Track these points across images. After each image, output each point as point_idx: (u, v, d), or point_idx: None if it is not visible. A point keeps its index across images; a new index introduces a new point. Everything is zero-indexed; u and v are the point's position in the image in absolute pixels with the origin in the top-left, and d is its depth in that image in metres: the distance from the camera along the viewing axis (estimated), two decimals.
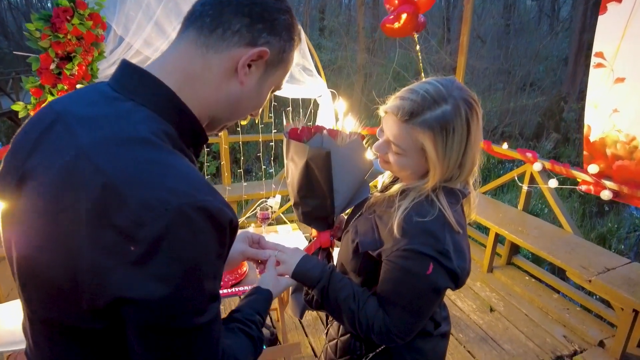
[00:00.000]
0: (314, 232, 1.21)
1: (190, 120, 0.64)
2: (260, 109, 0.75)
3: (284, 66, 0.71)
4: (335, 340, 1.12)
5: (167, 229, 0.49)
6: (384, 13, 4.16)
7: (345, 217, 1.25)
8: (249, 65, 0.65)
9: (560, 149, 11.87)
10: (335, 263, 1.15)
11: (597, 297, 3.03)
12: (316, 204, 1.12)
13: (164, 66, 0.63)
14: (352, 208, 1.16)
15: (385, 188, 1.06)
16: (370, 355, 1.02)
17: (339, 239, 1.23)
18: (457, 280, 0.87)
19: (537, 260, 3.99)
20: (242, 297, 0.89)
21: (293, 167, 1.13)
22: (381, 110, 0.92)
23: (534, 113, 14.37)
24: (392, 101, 0.89)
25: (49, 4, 26.23)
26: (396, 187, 0.96)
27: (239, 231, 1.05)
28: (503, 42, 16.75)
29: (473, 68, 14.45)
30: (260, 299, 0.86)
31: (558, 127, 13.11)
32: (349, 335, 1.07)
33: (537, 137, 13.67)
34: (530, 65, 15.35)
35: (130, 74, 0.62)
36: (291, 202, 1.21)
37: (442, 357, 1.08)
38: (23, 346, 1.75)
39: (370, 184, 1.16)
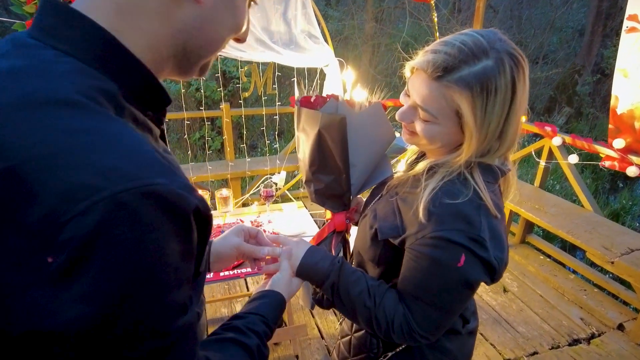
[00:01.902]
0: (329, 214, 1.08)
1: (139, 70, 0.47)
2: (245, 28, 0.56)
3: None
4: (349, 336, 1.00)
5: (98, 228, 0.35)
6: None
7: (364, 200, 1.12)
8: None
9: (573, 124, 11.57)
10: (351, 250, 1.03)
11: (612, 276, 2.91)
12: (330, 180, 0.98)
13: (89, 2, 0.46)
14: (371, 189, 1.02)
15: (410, 167, 0.92)
16: (389, 354, 0.91)
17: (356, 224, 1.09)
18: (494, 273, 0.74)
19: (548, 237, 3.85)
20: (249, 299, 0.77)
21: (304, 139, 0.98)
22: (407, 69, 0.77)
23: (546, 86, 13.98)
24: (421, 56, 0.73)
25: None
26: (422, 165, 0.81)
27: (236, 225, 0.93)
28: (516, 12, 16.14)
29: None
30: (269, 303, 0.74)
31: (571, 101, 12.74)
32: (364, 331, 0.95)
33: (549, 112, 13.32)
34: (544, 37, 14.81)
35: (51, 13, 0.45)
36: (303, 179, 1.07)
37: (470, 357, 0.97)
38: None
39: (391, 163, 1.01)
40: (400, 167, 1.00)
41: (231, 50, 2.69)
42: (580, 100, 12.70)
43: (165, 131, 0.58)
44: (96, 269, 0.35)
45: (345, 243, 1.11)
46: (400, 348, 0.90)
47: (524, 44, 15.11)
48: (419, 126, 0.77)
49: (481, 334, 2.35)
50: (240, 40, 0.58)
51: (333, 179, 0.98)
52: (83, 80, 0.42)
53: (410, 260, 0.78)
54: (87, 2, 0.46)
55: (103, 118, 0.41)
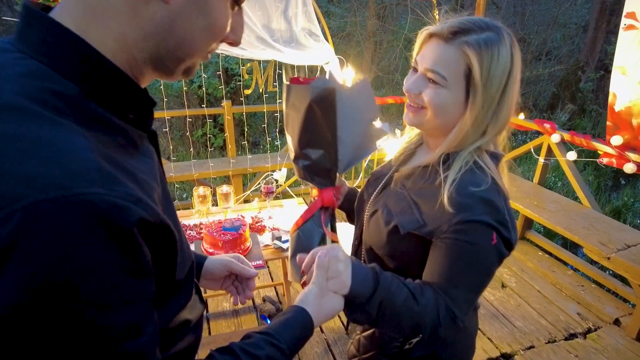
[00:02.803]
0: (315, 192, 1.10)
1: (108, 72, 0.46)
2: (230, 30, 0.54)
3: None
4: (372, 330, 0.99)
5: (14, 237, 0.33)
6: None
7: (349, 186, 1.16)
8: None
9: (576, 121, 11.52)
10: (353, 240, 1.05)
11: (612, 272, 2.93)
12: (319, 155, 1.00)
13: (62, 5, 0.45)
14: (368, 182, 1.04)
15: (404, 161, 0.96)
16: (414, 341, 0.92)
17: (341, 208, 1.15)
18: (511, 250, 0.81)
19: (549, 234, 3.87)
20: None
21: (294, 115, 1.00)
22: (419, 39, 0.83)
23: (550, 83, 13.92)
24: (434, 26, 0.81)
25: None
26: (432, 156, 0.85)
27: (230, 254, 0.90)
28: (519, 8, 16.06)
29: None
30: (286, 321, 0.65)
31: (574, 98, 12.69)
32: None
33: (552, 108, 13.27)
34: (547, 33, 14.74)
35: (22, 18, 0.45)
36: (291, 156, 1.10)
37: (477, 330, 1.04)
38: None
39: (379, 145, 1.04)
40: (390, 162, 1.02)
41: (232, 48, 2.72)
42: (584, 96, 12.64)
43: (164, 132, 0.59)
44: (10, 279, 0.34)
45: (333, 218, 1.13)
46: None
47: (527, 40, 15.04)
48: (427, 95, 0.81)
49: (479, 329, 2.38)
50: (233, 43, 0.57)
51: (321, 154, 0.99)
52: (34, 83, 0.41)
53: (445, 249, 0.79)
54: (60, 6, 0.46)
55: (41, 123, 0.39)
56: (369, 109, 0.98)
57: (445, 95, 0.79)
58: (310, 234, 1.04)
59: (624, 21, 2.35)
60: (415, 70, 0.84)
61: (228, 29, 0.54)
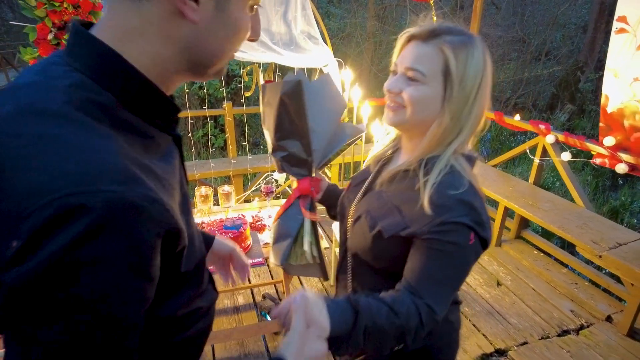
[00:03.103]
0: (295, 184, 1.18)
1: (141, 85, 0.53)
2: (250, 32, 0.61)
3: None
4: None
5: (50, 225, 0.40)
6: None
7: (330, 182, 1.22)
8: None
9: (575, 121, 11.56)
10: (340, 246, 1.07)
11: (607, 271, 2.98)
12: (295, 145, 1.09)
13: (101, 27, 0.53)
14: (348, 188, 1.08)
15: (382, 165, 1.00)
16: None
17: (321, 202, 1.21)
18: (485, 248, 0.86)
19: (546, 234, 3.93)
20: None
21: (269, 111, 1.10)
22: (399, 42, 0.88)
23: (549, 83, 13.95)
24: (417, 29, 0.86)
25: None
26: (411, 161, 0.88)
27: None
28: (519, 9, 16.09)
29: (486, 36, 13.95)
30: None
31: (573, 98, 12.73)
32: None
33: (551, 109, 13.30)
34: (547, 33, 14.76)
35: (71, 36, 0.52)
36: (269, 150, 1.17)
37: (460, 323, 1.08)
38: None
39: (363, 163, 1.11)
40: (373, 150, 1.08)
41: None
42: (583, 97, 12.68)
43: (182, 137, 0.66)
44: (37, 257, 0.40)
45: (313, 206, 1.18)
46: None
47: (527, 40, 15.08)
48: (407, 93, 0.85)
49: (474, 325, 2.44)
50: (254, 40, 0.65)
51: (297, 145, 1.09)
52: (79, 93, 0.48)
53: (426, 249, 0.82)
54: (100, 26, 0.54)
55: (81, 128, 0.46)
56: (336, 101, 1.07)
57: (424, 90, 0.84)
58: (289, 221, 1.15)
59: (616, 25, 2.41)
60: (395, 73, 0.88)
61: (250, 31, 0.61)
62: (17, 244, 0.40)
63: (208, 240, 0.96)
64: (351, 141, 1.19)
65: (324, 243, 1.36)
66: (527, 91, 13.94)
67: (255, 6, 0.61)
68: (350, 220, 0.99)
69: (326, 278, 1.24)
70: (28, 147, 0.43)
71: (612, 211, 6.88)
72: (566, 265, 3.00)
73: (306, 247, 1.15)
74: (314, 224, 1.19)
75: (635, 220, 6.51)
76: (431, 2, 4.01)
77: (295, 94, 1.02)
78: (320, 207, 1.28)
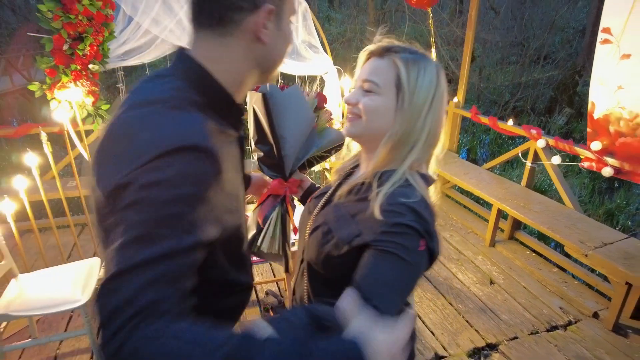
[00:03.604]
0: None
1: (222, 94, 0.73)
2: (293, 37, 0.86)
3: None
4: None
5: (170, 152, 0.58)
6: None
7: (310, 184, 1.35)
8: (264, 27, 0.71)
9: (573, 124, 11.65)
10: (298, 256, 1.05)
11: (598, 273, 3.10)
12: (267, 149, 1.24)
13: (195, 51, 0.73)
14: (310, 201, 1.10)
15: (348, 175, 1.04)
16: None
17: (301, 200, 1.34)
18: (432, 264, 0.86)
19: (540, 235, 4.04)
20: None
21: (248, 116, 1.27)
22: (360, 60, 0.95)
23: (547, 87, 14.05)
24: (374, 46, 0.93)
25: None
26: (367, 173, 0.91)
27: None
28: (517, 13, 16.23)
29: (485, 41, 14.10)
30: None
31: (572, 102, 12.83)
32: None
33: (550, 112, 13.41)
34: (545, 37, 14.89)
35: (176, 56, 0.75)
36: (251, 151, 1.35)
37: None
38: (47, 312, 1.90)
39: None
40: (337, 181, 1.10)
41: None
42: (581, 100, 12.78)
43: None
44: (164, 173, 0.58)
45: (286, 212, 1.31)
46: None
47: (525, 44, 15.22)
48: (362, 103, 0.89)
49: (467, 321, 2.56)
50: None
51: (268, 149, 1.24)
52: (180, 93, 0.68)
53: (375, 252, 0.81)
54: (194, 50, 0.72)
55: (181, 110, 0.66)
56: (306, 113, 1.22)
57: (378, 100, 0.88)
58: (263, 213, 1.32)
59: (601, 36, 2.54)
60: (355, 87, 0.95)
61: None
62: (141, 163, 0.58)
63: (248, 178, 1.28)
64: (334, 146, 1.32)
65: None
66: (526, 95, 14.05)
67: (292, 17, 0.79)
68: (307, 232, 0.99)
69: (286, 270, 1.39)
70: (149, 118, 0.63)
71: (607, 213, 6.99)
72: (557, 265, 3.12)
73: (272, 238, 1.31)
74: (283, 219, 1.33)
75: (630, 222, 6.62)
76: (428, 9, 4.15)
77: (262, 105, 1.16)
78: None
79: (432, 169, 0.96)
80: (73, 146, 2.83)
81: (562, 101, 13.17)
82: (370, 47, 0.93)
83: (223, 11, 0.69)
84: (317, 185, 1.35)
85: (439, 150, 0.94)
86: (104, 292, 0.55)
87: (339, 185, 1.01)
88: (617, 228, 6.40)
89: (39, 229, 2.60)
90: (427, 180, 0.91)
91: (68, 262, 2.33)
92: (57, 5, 2.40)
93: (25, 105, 13.96)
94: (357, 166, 1.03)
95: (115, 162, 0.61)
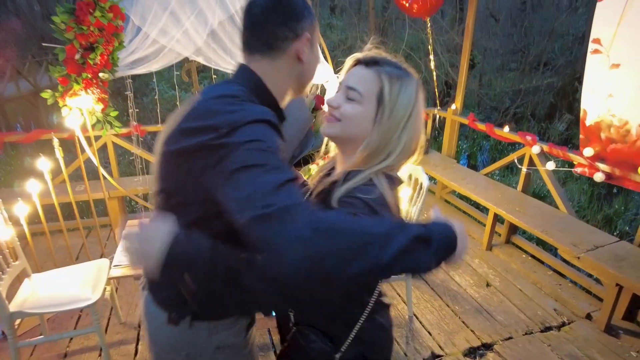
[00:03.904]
0: None
1: (271, 100, 0.93)
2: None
3: (317, 26, 0.98)
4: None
5: (247, 123, 0.78)
6: None
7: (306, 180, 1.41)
8: (304, 50, 0.93)
9: (573, 130, 11.73)
10: None
11: (593, 277, 3.17)
12: None
13: (252, 65, 0.94)
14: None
15: (326, 176, 1.07)
16: (343, 349, 1.02)
17: None
18: None
19: (541, 242, 4.10)
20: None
21: None
22: (348, 62, 1.01)
23: (547, 93, 14.16)
24: (363, 54, 0.99)
25: None
26: (339, 173, 0.97)
27: None
28: (517, 20, 16.38)
29: (484, 48, 14.22)
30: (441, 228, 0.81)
31: (571, 108, 12.92)
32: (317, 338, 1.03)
33: (550, 118, 13.50)
34: (545, 44, 15.02)
35: (239, 69, 0.95)
36: None
37: (392, 324, 1.15)
38: (59, 309, 1.99)
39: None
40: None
41: None
42: (581, 107, 12.86)
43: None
44: (241, 149, 0.75)
45: None
46: (350, 337, 1.01)
47: (525, 51, 15.34)
48: (344, 108, 0.94)
49: (463, 322, 2.64)
50: None
51: None
52: (245, 95, 0.86)
53: None
54: (252, 65, 0.93)
55: (244, 102, 0.84)
56: (302, 112, 1.32)
57: (358, 109, 0.93)
58: None
59: (591, 46, 2.64)
60: (340, 89, 1.01)
61: None
62: (233, 128, 0.76)
63: None
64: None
65: None
66: (526, 101, 14.15)
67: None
68: None
69: None
70: (231, 103, 0.82)
71: (606, 219, 7.06)
72: (552, 268, 3.20)
73: None
74: None
75: (628, 228, 6.68)
76: (427, 19, 4.27)
77: None
78: None
79: (406, 171, 1.04)
80: (82, 151, 2.94)
81: (562, 107, 13.26)
82: (358, 55, 0.98)
83: (272, 40, 0.90)
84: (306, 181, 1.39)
85: (413, 159, 1.00)
86: (266, 219, 0.69)
87: (315, 188, 1.05)
88: (615, 233, 6.48)
89: (50, 232, 2.69)
90: (394, 181, 0.96)
91: (76, 263, 2.42)
92: (71, 17, 2.51)
93: (30, 111, 14.14)
94: (334, 168, 1.07)
95: (201, 131, 0.77)
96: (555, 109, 13.68)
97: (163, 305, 0.97)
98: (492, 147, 11.53)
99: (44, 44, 2.84)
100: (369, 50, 1.00)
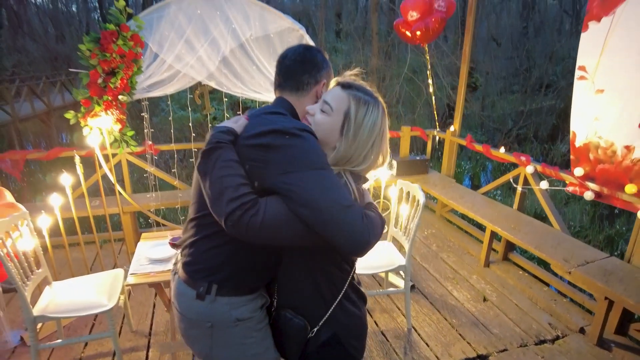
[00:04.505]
0: None
1: (298, 119, 1.23)
2: None
3: (331, 72, 1.31)
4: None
5: (278, 139, 1.05)
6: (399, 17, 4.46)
7: None
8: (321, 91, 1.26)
9: None
10: None
11: (587, 293, 3.26)
12: None
13: (286, 96, 1.25)
14: None
15: None
16: (315, 330, 1.22)
17: None
18: None
19: (538, 259, 4.19)
20: None
21: None
22: (332, 83, 1.23)
23: (550, 115, 14.35)
24: (342, 77, 1.22)
25: (74, 7, 27.28)
26: None
27: None
28: (519, 44, 16.73)
29: (487, 72, 14.51)
30: None
31: None
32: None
33: (552, 139, 13.66)
34: (547, 66, 15.30)
35: (278, 99, 1.26)
36: None
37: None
38: (78, 314, 2.13)
39: None
40: None
41: (249, 92, 3.23)
42: None
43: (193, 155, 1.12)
44: (281, 153, 1.04)
45: None
46: (323, 320, 1.21)
47: (527, 74, 15.61)
48: (317, 116, 1.16)
49: (459, 334, 2.74)
50: None
51: None
52: (287, 114, 1.16)
53: None
54: (286, 96, 1.23)
55: (288, 119, 1.13)
56: None
57: (328, 120, 1.14)
58: None
59: (577, 73, 2.82)
60: (319, 101, 1.24)
61: None
62: (285, 134, 1.04)
63: None
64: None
65: None
66: (529, 122, 14.34)
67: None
68: None
69: None
70: (282, 118, 1.12)
71: (607, 239, 7.12)
72: (547, 284, 3.30)
73: None
74: None
75: None
76: (425, 46, 4.49)
77: None
78: None
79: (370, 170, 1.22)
80: (99, 167, 3.13)
81: (564, 129, 13.42)
82: (339, 79, 1.21)
83: (299, 85, 1.23)
84: None
85: (381, 168, 1.22)
86: (342, 219, 1.00)
87: None
88: (616, 253, 6.52)
89: (69, 244, 2.85)
90: (360, 178, 1.18)
91: (91, 272, 2.57)
92: (96, 45, 2.74)
93: (44, 129, 14.55)
94: None
95: (256, 131, 1.06)
96: (558, 130, 13.84)
97: (193, 280, 1.19)
98: (495, 168, 11.67)
99: (70, 70, 3.07)
100: (348, 76, 1.24)
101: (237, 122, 1.13)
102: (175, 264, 1.32)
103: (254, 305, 1.24)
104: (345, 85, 1.17)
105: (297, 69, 1.22)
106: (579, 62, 2.80)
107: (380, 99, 1.20)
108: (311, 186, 1.00)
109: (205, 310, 1.19)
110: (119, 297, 2.33)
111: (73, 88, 3.33)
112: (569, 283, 3.22)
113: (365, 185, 1.23)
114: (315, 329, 1.21)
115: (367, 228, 1.03)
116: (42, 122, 14.09)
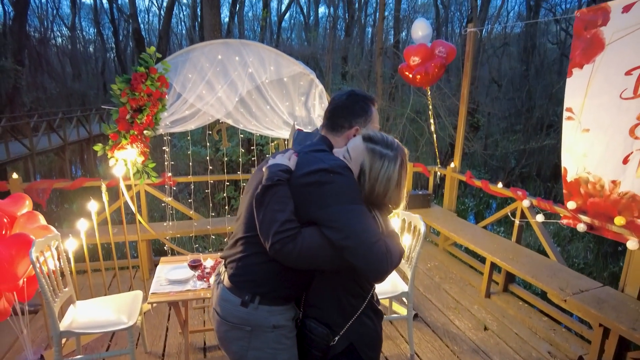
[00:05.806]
0: None
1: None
2: None
3: (369, 119, 1.46)
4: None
5: (325, 177, 1.24)
6: (402, 62, 4.81)
7: None
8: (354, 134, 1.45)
9: None
10: None
11: (586, 323, 3.35)
12: None
13: (326, 135, 1.48)
14: None
15: None
16: (337, 338, 1.37)
17: None
18: None
19: (538, 291, 4.29)
20: None
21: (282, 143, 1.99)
22: (359, 133, 1.39)
23: (551, 154, 14.62)
24: (366, 129, 1.38)
25: (91, 48, 28.63)
26: None
27: None
28: (520, 85, 17.28)
29: (487, 112, 14.96)
30: None
31: None
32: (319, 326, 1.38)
33: (555, 178, 13.83)
34: (548, 107, 15.73)
35: (320, 137, 1.49)
36: None
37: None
38: (100, 330, 2.29)
39: None
40: None
41: (263, 129, 3.51)
42: None
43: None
44: (327, 188, 1.25)
45: None
46: (343, 330, 1.36)
47: (529, 114, 16.02)
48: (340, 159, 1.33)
49: None
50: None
51: None
52: (330, 151, 1.40)
53: None
54: (326, 134, 1.48)
55: (331, 155, 1.36)
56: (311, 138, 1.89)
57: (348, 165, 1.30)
58: None
59: (565, 114, 3.07)
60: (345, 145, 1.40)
61: None
62: (331, 171, 1.24)
63: None
64: None
65: None
66: (531, 161, 14.59)
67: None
68: None
69: None
70: (327, 155, 1.35)
71: (612, 276, 7.13)
72: (547, 315, 3.39)
73: None
74: None
75: None
76: (427, 88, 4.81)
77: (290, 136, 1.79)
78: None
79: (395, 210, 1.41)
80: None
81: None
82: (363, 131, 1.36)
83: (338, 128, 1.44)
84: None
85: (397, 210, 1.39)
86: (373, 254, 1.19)
87: None
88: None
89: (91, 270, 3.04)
90: (386, 210, 1.35)
91: (108, 293, 2.74)
92: (127, 85, 3.05)
93: (59, 163, 15.01)
94: None
95: (308, 170, 1.26)
96: (559, 168, 14.00)
97: (239, 290, 1.37)
98: (499, 206, 11.80)
99: (103, 106, 3.37)
100: (376, 127, 1.46)
101: (289, 159, 1.32)
102: (218, 274, 1.51)
103: (288, 314, 1.40)
104: (365, 138, 1.30)
105: (335, 112, 1.44)
106: (566, 104, 3.05)
107: (403, 148, 1.32)
108: (350, 217, 1.19)
109: (247, 316, 1.35)
110: (138, 317, 2.49)
111: (103, 123, 3.62)
112: (567, 312, 3.31)
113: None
114: (337, 338, 1.36)
115: (387, 259, 1.20)
116: (56, 155, 14.57)
